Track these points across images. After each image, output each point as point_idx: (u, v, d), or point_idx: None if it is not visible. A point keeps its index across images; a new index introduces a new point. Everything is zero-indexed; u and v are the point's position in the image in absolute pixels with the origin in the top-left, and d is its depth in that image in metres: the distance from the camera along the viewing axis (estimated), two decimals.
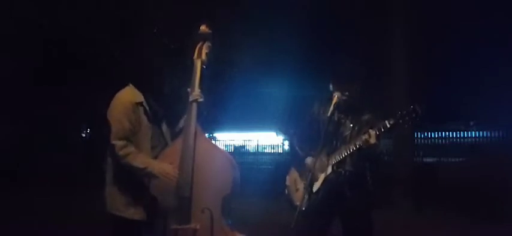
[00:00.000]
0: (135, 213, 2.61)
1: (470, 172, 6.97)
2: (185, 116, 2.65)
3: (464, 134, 12.40)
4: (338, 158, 2.78)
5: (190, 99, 2.60)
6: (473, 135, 12.28)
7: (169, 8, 8.23)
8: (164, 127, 2.76)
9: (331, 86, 2.89)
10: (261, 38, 9.56)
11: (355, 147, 2.71)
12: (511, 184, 6.46)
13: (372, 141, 2.64)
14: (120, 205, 2.63)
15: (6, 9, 7.95)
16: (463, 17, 11.33)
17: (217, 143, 17.58)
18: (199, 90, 2.61)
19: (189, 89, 2.63)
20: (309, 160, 2.92)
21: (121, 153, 2.53)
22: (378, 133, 2.65)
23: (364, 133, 2.69)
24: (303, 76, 12.15)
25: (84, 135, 14.04)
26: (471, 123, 18.22)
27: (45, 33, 8.42)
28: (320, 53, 10.37)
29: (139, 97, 2.65)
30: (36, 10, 8.31)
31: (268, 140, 19.63)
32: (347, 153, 2.74)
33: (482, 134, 11.71)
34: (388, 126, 2.64)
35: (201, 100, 2.60)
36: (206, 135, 2.73)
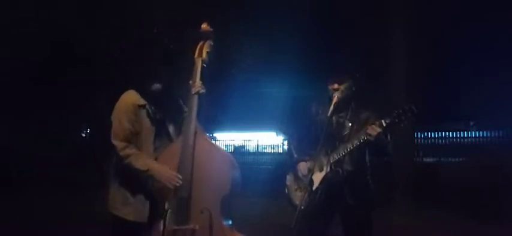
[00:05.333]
0: (133, 213, 2.62)
1: (470, 172, 6.96)
2: (187, 109, 2.63)
3: (464, 134, 12.37)
4: (336, 157, 2.78)
5: (192, 91, 2.57)
6: (473, 135, 12.25)
7: (169, 8, 8.23)
8: (171, 128, 2.75)
9: (326, 85, 2.90)
10: (261, 37, 9.54)
11: (360, 141, 2.69)
12: (511, 184, 6.46)
13: (374, 132, 2.61)
14: (119, 205, 2.65)
15: (6, 8, 7.94)
16: (464, 16, 11.33)
17: (217, 143, 17.59)
18: (200, 82, 2.59)
19: (190, 82, 2.61)
20: (301, 165, 2.93)
21: (122, 154, 2.56)
22: (379, 126, 2.63)
23: (369, 127, 2.67)
24: (303, 76, 12.13)
25: (84, 135, 14.01)
26: (471, 123, 18.22)
27: (45, 32, 8.41)
28: (320, 52, 10.36)
29: (142, 99, 2.66)
30: (36, 9, 8.30)
31: (268, 140, 19.60)
32: (346, 151, 2.74)
33: (482, 134, 11.69)
34: (385, 124, 2.64)
35: (202, 91, 2.58)
36: (206, 135, 2.71)
